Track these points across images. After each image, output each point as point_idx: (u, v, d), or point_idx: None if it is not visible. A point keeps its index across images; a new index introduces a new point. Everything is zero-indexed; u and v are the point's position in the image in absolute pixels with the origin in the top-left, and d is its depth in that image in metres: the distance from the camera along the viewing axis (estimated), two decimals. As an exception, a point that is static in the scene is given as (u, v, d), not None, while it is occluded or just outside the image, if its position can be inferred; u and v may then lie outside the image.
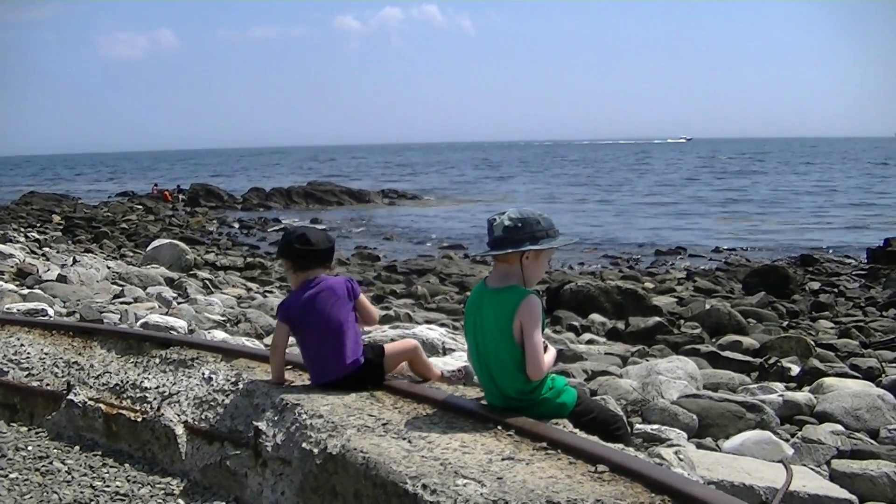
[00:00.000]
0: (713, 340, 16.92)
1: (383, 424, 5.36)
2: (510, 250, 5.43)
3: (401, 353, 6.73)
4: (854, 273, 28.85)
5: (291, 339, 6.57)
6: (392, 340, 9.48)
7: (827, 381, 11.00)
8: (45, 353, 8.11)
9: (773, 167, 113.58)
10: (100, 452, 6.97)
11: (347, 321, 6.44)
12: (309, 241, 6.47)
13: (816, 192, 70.40)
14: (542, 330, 5.38)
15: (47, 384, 7.77)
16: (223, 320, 14.12)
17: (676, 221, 50.85)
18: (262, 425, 5.91)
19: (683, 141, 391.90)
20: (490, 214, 5.65)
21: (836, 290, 25.29)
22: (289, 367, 6.70)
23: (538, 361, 5.27)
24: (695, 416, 9.07)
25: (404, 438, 5.08)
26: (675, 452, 6.47)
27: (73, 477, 6.45)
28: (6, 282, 15.81)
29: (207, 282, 22.30)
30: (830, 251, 35.23)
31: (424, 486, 4.39)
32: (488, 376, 5.49)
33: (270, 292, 21.60)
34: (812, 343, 15.56)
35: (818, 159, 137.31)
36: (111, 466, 6.71)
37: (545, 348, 5.43)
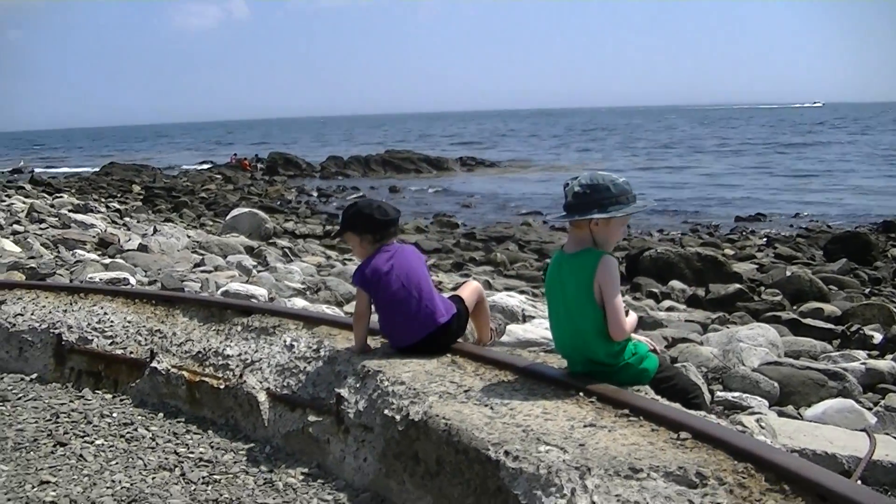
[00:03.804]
0: (794, 308, 16.81)
1: (465, 391, 5.37)
2: (577, 217, 5.34)
3: (473, 293, 6.91)
4: (939, 239, 28.36)
5: None
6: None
7: (910, 348, 10.88)
8: (129, 322, 8.20)
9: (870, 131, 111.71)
10: (183, 419, 7.05)
11: (430, 280, 6.57)
12: (387, 212, 6.55)
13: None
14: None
15: (131, 352, 7.86)
16: (303, 288, 14.19)
17: (757, 187, 50.42)
18: (344, 392, 5.95)
19: (818, 106, 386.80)
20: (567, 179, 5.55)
21: (919, 257, 24.95)
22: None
23: (620, 321, 5.23)
24: (776, 384, 9.00)
25: (486, 405, 5.08)
26: (757, 420, 6.42)
27: (157, 443, 6.53)
28: (88, 251, 16.01)
29: (287, 250, 22.44)
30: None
31: (507, 453, 4.39)
32: (572, 343, 5.45)
33: (350, 260, 21.67)
34: (895, 310, 15.39)
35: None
36: (195, 433, 6.79)
37: (626, 313, 5.40)
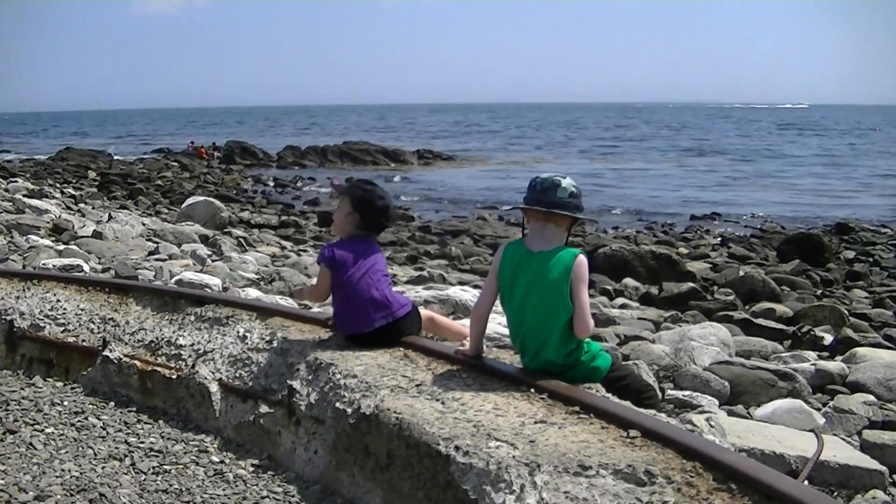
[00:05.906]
0: (746, 307, 16.89)
1: (417, 385, 5.39)
2: (580, 216, 5.47)
3: (426, 320, 6.82)
4: (890, 242, 28.61)
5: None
6: (426, 301, 9.57)
7: (860, 350, 10.95)
8: (81, 309, 8.15)
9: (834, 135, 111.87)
10: (134, 409, 7.02)
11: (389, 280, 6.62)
12: (388, 207, 6.63)
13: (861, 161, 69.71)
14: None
15: (83, 340, 7.82)
16: (257, 278, 14.17)
17: (714, 187, 50.68)
18: (295, 384, 5.96)
19: (803, 107, 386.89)
20: (539, 175, 5.63)
21: (871, 259, 25.16)
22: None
23: (587, 319, 5.27)
24: (726, 383, 9.07)
25: (437, 400, 5.10)
26: (707, 419, 6.47)
27: (108, 432, 6.50)
28: (42, 237, 15.91)
29: (242, 240, 22.39)
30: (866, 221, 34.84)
31: (457, 448, 4.41)
32: (533, 340, 5.44)
33: (304, 251, 21.68)
34: (846, 312, 15.54)
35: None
36: (146, 423, 6.77)
37: None
